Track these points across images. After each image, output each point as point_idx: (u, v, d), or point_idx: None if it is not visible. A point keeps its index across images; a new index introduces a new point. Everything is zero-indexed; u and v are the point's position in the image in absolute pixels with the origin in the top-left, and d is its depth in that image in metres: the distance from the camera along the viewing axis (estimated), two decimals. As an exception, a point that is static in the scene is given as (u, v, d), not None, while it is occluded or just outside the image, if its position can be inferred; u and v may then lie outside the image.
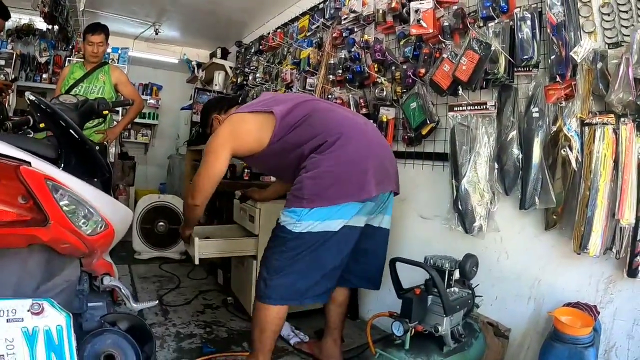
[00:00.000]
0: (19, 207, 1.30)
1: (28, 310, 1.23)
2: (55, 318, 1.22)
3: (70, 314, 1.25)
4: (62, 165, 1.49)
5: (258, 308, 2.08)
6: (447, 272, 1.95)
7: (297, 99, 2.26)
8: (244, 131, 2.20)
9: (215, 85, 6.25)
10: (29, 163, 1.29)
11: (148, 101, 7.73)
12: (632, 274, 1.78)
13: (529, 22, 2.20)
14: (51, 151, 1.51)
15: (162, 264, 4.42)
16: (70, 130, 1.49)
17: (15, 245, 1.36)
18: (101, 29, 3.85)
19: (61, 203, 1.33)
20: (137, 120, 7.54)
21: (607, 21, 1.95)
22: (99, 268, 1.79)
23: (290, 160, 2.13)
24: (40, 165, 1.32)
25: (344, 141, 2.01)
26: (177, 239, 4.67)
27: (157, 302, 2.35)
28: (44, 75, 6.13)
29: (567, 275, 2.05)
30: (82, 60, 4.03)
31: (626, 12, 1.90)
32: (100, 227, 1.47)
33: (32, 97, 1.44)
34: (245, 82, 5.45)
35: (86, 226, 1.41)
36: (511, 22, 2.27)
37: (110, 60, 6.24)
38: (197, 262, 2.72)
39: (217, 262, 3.79)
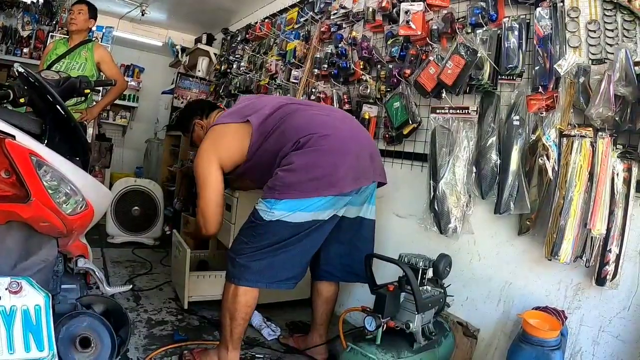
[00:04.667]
0: (1, 181, 1.28)
1: (6, 289, 1.21)
2: (33, 297, 1.21)
3: (49, 294, 1.23)
4: (46, 141, 1.47)
5: (226, 289, 2.11)
6: (420, 270, 1.98)
7: (272, 104, 2.26)
8: (226, 143, 2.22)
9: (199, 71, 6.18)
10: (13, 137, 1.26)
11: (129, 83, 7.61)
12: (600, 282, 1.84)
13: (516, 32, 2.24)
14: (35, 126, 1.48)
15: (135, 249, 4.37)
16: (57, 106, 1.47)
17: (-6, 221, 1.33)
18: (86, 2, 3.81)
19: (44, 180, 1.31)
20: (116, 101, 7.46)
21: (592, 37, 2.00)
22: (75, 249, 1.77)
23: (269, 162, 2.14)
24: (25, 140, 1.30)
25: (317, 139, 2.03)
26: (151, 224, 4.63)
27: (130, 287, 2.33)
28: (25, 50, 5.91)
29: (537, 280, 2.11)
30: (67, 37, 3.93)
31: (612, 30, 1.95)
32: (81, 207, 1.45)
33: (20, 69, 1.42)
34: (229, 70, 5.40)
35: (67, 205, 1.39)
36: (499, 31, 2.31)
37: (94, 39, 6.13)
38: (185, 306, 2.81)
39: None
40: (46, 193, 1.32)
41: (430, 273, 2.02)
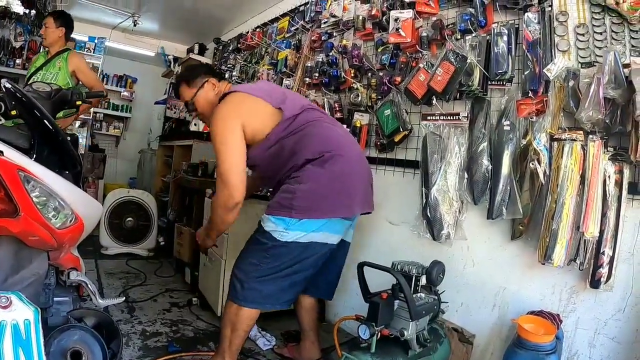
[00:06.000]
0: None
1: (-5, 304, 1.19)
2: (23, 312, 1.19)
3: (39, 309, 1.22)
4: (35, 155, 1.46)
5: (230, 307, 2.07)
6: (414, 277, 1.98)
7: (300, 103, 2.17)
8: (251, 110, 2.07)
9: (191, 81, 6.16)
10: (1, 152, 1.26)
11: (122, 93, 7.64)
12: (595, 284, 1.84)
13: (505, 38, 2.25)
14: (24, 141, 1.48)
15: (129, 260, 4.35)
16: (45, 121, 1.47)
17: (-17, 236, 1.32)
18: (52, 14, 3.80)
19: (32, 195, 1.32)
20: (109, 112, 7.48)
21: (581, 41, 2.01)
22: (66, 262, 1.76)
23: (282, 162, 2.08)
24: (12, 155, 1.30)
25: (339, 159, 2.00)
26: (145, 235, 4.61)
27: (123, 298, 2.32)
28: (18, 61, 5.93)
29: (532, 284, 2.11)
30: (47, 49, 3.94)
31: (600, 33, 1.96)
32: (70, 221, 1.45)
33: (7, 85, 1.42)
34: (221, 80, 5.39)
35: (56, 219, 1.39)
36: (488, 37, 2.32)
37: (85, 50, 6.13)
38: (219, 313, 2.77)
39: (185, 261, 3.76)
40: (35, 208, 1.32)
41: (423, 280, 2.02)
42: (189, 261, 3.64)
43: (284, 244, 1.97)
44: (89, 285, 1.78)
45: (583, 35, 2.01)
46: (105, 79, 7.36)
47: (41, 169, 1.39)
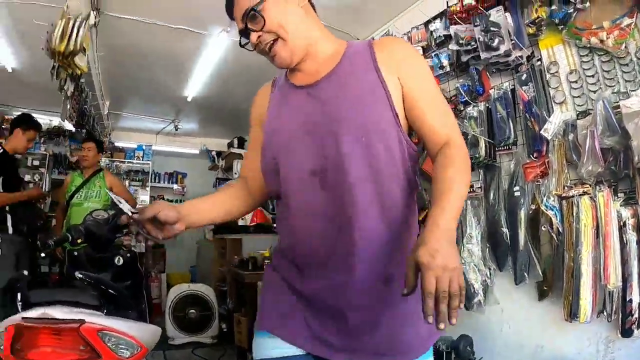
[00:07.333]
0: (80, 351, 1.68)
1: None
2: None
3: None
4: (105, 310, 1.86)
5: None
6: (444, 353, 2.06)
7: None
8: None
9: (235, 173, 6.54)
10: (83, 321, 1.65)
11: (174, 188, 8.14)
12: (626, 333, 1.85)
13: (503, 102, 2.36)
14: (94, 300, 1.88)
15: (194, 349, 4.61)
16: (110, 290, 1.84)
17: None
18: (93, 140, 4.41)
19: (108, 344, 1.70)
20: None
21: (575, 89, 2.07)
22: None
23: None
24: (91, 319, 1.70)
25: None
26: (208, 324, 4.87)
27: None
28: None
29: (567, 339, 2.13)
30: (80, 170, 4.48)
31: (592, 76, 2.01)
32: (136, 350, 1.78)
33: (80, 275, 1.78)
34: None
35: (126, 351, 1.70)
36: (488, 104, 2.44)
37: (135, 158, 6.76)
38: None
39: (245, 347, 3.95)
40: (110, 351, 1.70)
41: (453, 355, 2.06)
42: (249, 348, 3.82)
43: None
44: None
45: (576, 82, 2.07)
46: (157, 177, 7.94)
47: (112, 321, 1.79)
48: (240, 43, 1.30)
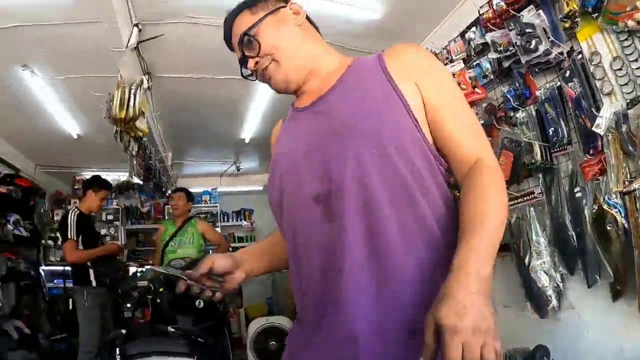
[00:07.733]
0: None
1: None
2: None
3: None
4: (196, 357, 2.00)
5: None
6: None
7: None
8: None
9: (299, 206, 6.72)
10: None
11: (243, 225, 8.41)
12: None
13: (551, 102, 2.31)
14: (185, 348, 2.01)
15: (277, 379, 4.70)
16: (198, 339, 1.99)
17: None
18: (183, 190, 4.73)
19: None
20: (235, 244, 8.26)
21: (620, 76, 1.99)
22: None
23: None
24: None
25: None
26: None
27: None
28: (147, 222, 7.36)
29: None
30: (172, 218, 4.80)
31: (636, 60, 1.94)
32: None
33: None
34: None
35: None
36: (536, 106, 2.40)
37: (202, 202, 7.12)
38: None
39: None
40: None
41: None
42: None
43: None
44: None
45: (620, 69, 2.00)
46: (225, 216, 8.25)
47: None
48: (242, 74, 1.23)
